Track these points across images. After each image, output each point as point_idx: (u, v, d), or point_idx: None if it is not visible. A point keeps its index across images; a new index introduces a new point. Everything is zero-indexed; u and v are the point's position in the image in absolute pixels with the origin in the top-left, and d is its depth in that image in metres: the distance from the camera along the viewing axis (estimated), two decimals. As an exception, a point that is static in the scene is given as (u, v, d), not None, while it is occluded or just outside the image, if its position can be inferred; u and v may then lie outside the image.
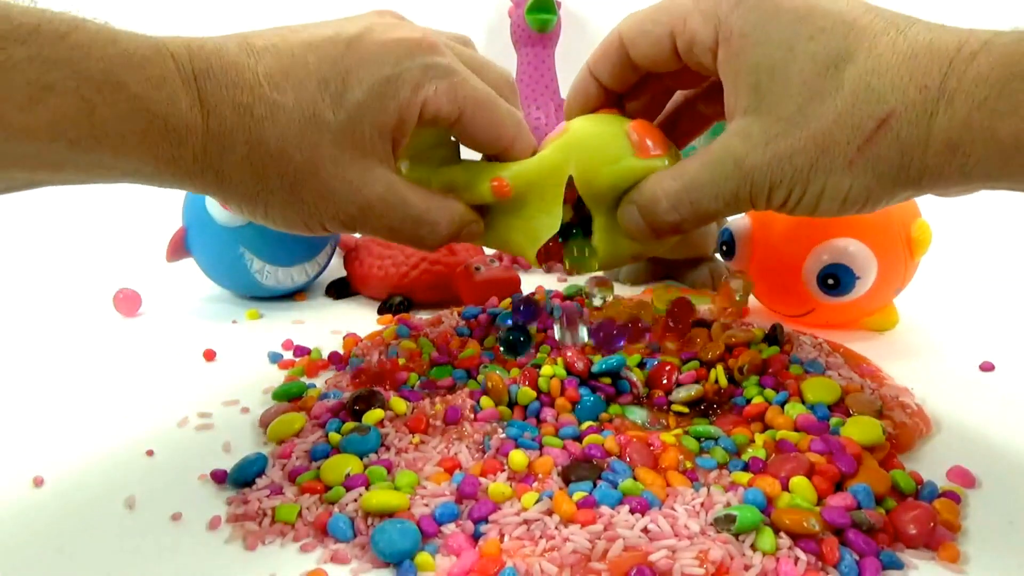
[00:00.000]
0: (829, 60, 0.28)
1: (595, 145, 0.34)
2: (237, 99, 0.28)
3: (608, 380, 0.39)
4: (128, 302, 0.59)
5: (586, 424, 0.36)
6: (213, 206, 0.55)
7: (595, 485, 0.31)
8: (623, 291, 0.60)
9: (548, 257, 0.38)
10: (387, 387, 0.42)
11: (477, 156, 0.37)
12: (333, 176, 0.31)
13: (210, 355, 0.49)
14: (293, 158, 0.30)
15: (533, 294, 0.51)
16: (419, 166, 0.36)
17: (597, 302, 0.44)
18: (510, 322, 0.46)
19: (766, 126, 0.29)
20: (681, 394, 0.38)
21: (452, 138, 0.36)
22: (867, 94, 0.27)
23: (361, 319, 0.56)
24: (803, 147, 0.29)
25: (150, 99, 0.26)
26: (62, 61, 0.24)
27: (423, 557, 0.28)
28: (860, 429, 0.33)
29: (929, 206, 0.50)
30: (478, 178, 0.35)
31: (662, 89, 0.38)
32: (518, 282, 0.58)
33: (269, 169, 0.30)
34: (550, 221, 0.35)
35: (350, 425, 0.36)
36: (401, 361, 0.44)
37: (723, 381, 0.39)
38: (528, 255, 0.36)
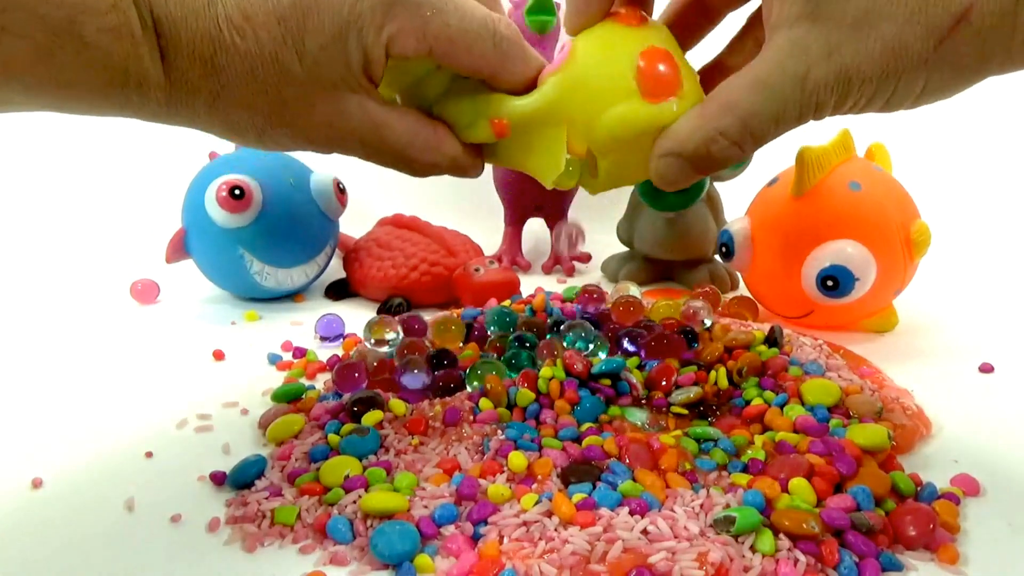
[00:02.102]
0: None
1: (595, 84, 0.31)
2: (198, 49, 0.28)
3: (608, 382, 0.39)
4: (145, 292, 0.62)
5: (585, 426, 0.36)
6: (213, 208, 0.55)
7: (594, 487, 0.31)
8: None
9: None
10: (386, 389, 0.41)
11: None
12: (303, 114, 0.30)
13: (219, 355, 0.49)
14: (258, 103, 0.29)
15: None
16: (413, 96, 0.34)
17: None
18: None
19: (825, 35, 0.26)
20: (680, 396, 0.38)
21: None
22: None
23: (361, 321, 0.56)
24: (872, 54, 0.26)
25: (110, 50, 0.26)
26: (19, 5, 0.24)
27: (422, 559, 0.28)
28: (865, 435, 0.33)
29: (929, 207, 0.50)
30: (476, 115, 0.33)
31: None
32: (517, 283, 0.58)
33: (237, 112, 0.29)
34: (554, 161, 0.32)
35: (349, 427, 0.36)
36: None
37: (723, 383, 0.39)
38: (544, 183, 0.34)
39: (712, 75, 0.33)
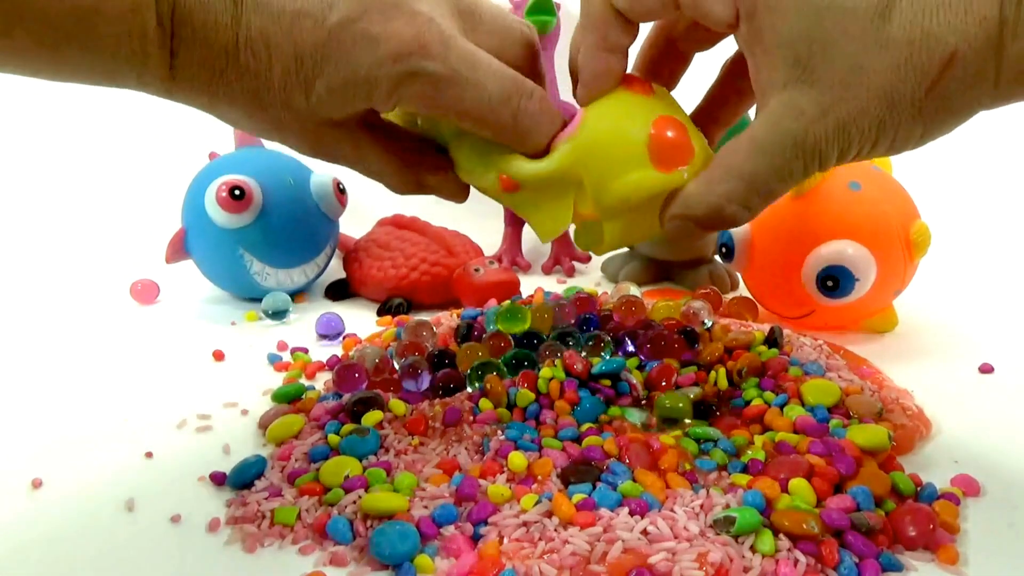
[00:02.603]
0: (872, 12, 0.26)
1: (608, 153, 0.31)
2: (210, 60, 0.28)
3: (608, 382, 0.39)
4: (145, 293, 0.62)
5: (585, 426, 0.36)
6: (213, 208, 0.55)
7: (594, 487, 0.31)
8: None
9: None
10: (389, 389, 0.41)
11: None
12: (296, 130, 0.31)
13: (219, 355, 0.49)
14: (254, 113, 0.30)
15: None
16: (426, 129, 0.34)
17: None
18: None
19: (817, 96, 0.27)
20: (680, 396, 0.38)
21: None
22: (924, 39, 0.26)
23: (360, 321, 0.56)
24: (866, 107, 0.27)
25: (116, 50, 0.27)
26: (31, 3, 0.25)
27: (422, 559, 0.28)
28: (865, 435, 0.33)
29: (928, 207, 0.50)
30: (486, 167, 0.33)
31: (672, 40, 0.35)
32: (517, 284, 0.58)
33: (234, 113, 0.31)
34: (558, 223, 0.33)
35: (349, 427, 0.36)
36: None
37: (723, 383, 0.39)
38: (540, 239, 0.35)
39: (701, 124, 0.34)
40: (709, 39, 0.33)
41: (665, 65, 0.35)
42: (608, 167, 0.31)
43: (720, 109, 0.35)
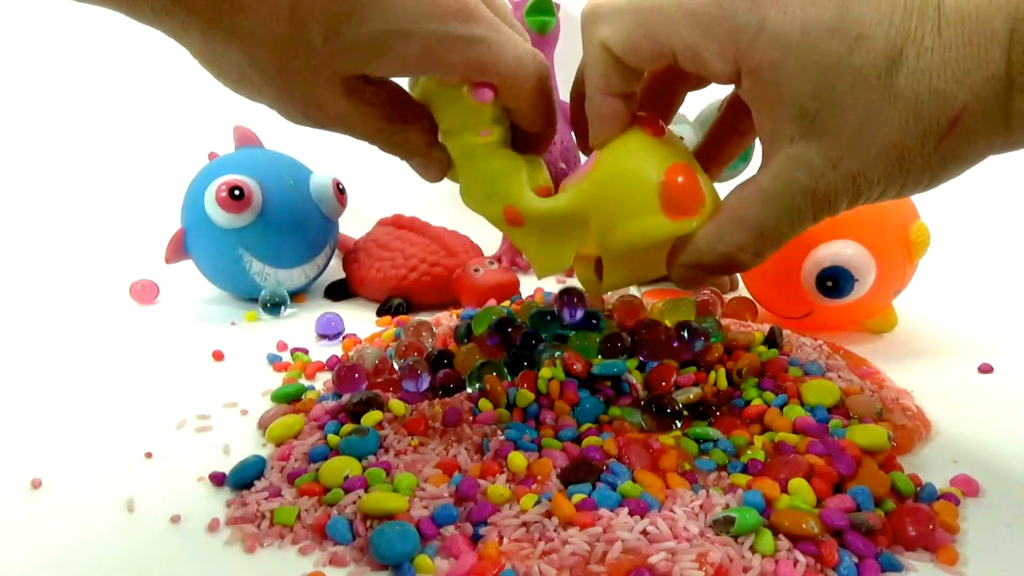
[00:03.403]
0: (878, 69, 0.26)
1: (620, 195, 0.31)
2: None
3: (608, 382, 0.39)
4: (145, 293, 0.62)
5: (585, 426, 0.36)
6: (212, 208, 0.55)
7: (594, 487, 0.31)
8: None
9: None
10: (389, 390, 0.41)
11: None
12: (294, 83, 0.29)
13: (219, 356, 0.49)
14: (258, 54, 0.28)
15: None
16: (447, 125, 0.34)
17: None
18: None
19: (826, 150, 0.27)
20: (680, 396, 0.38)
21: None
22: (932, 96, 0.25)
23: (360, 321, 0.56)
24: (875, 162, 0.27)
25: None
26: None
27: (422, 559, 0.28)
28: (865, 435, 0.33)
29: (928, 208, 0.50)
30: (493, 195, 0.33)
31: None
32: (517, 284, 0.58)
33: (231, 51, 0.28)
34: (558, 262, 0.33)
35: (349, 427, 0.36)
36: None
37: (722, 383, 0.39)
38: (537, 275, 0.35)
39: (702, 162, 0.34)
40: (704, 82, 0.33)
41: (658, 101, 0.35)
42: (618, 211, 0.31)
43: (721, 148, 0.36)
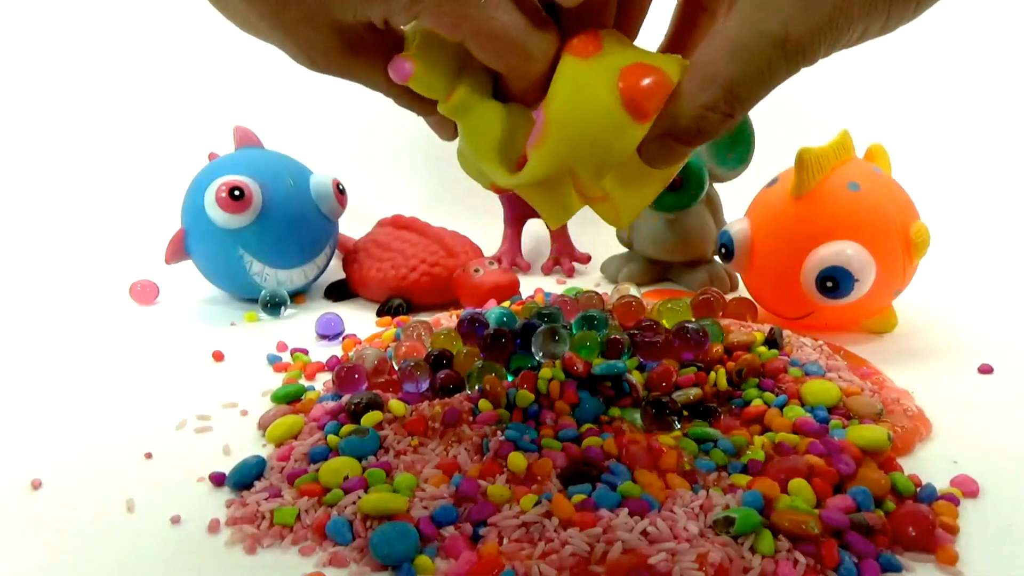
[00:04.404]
0: None
1: (585, 137, 0.28)
2: None
3: (608, 382, 0.39)
4: (144, 293, 0.62)
5: (585, 426, 0.36)
6: (212, 209, 0.55)
7: (594, 487, 0.31)
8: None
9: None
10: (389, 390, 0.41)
11: None
12: (295, 31, 0.28)
13: (219, 356, 0.49)
14: (255, 3, 0.27)
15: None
16: (432, 71, 0.30)
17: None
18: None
19: None
20: (680, 396, 0.38)
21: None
22: None
23: (360, 321, 0.56)
24: None
25: None
26: None
27: (422, 560, 0.28)
28: (865, 436, 0.33)
29: (928, 207, 0.50)
30: (479, 166, 0.31)
31: None
32: (517, 284, 0.58)
33: None
34: (564, 211, 0.31)
35: (349, 427, 0.36)
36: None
37: (722, 384, 0.39)
38: (550, 226, 0.33)
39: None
40: None
41: (622, 11, 0.32)
42: (593, 150, 0.28)
43: (689, 32, 0.32)
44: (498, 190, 0.32)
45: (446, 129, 0.33)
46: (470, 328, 0.45)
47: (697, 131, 0.27)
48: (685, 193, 0.60)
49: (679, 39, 0.32)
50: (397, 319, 0.56)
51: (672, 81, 0.27)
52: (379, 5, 0.27)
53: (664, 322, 0.46)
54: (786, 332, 0.46)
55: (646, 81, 0.27)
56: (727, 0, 0.26)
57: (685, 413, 0.37)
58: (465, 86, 0.31)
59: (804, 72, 0.28)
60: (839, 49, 0.26)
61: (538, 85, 0.30)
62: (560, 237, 0.72)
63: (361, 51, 0.29)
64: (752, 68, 0.26)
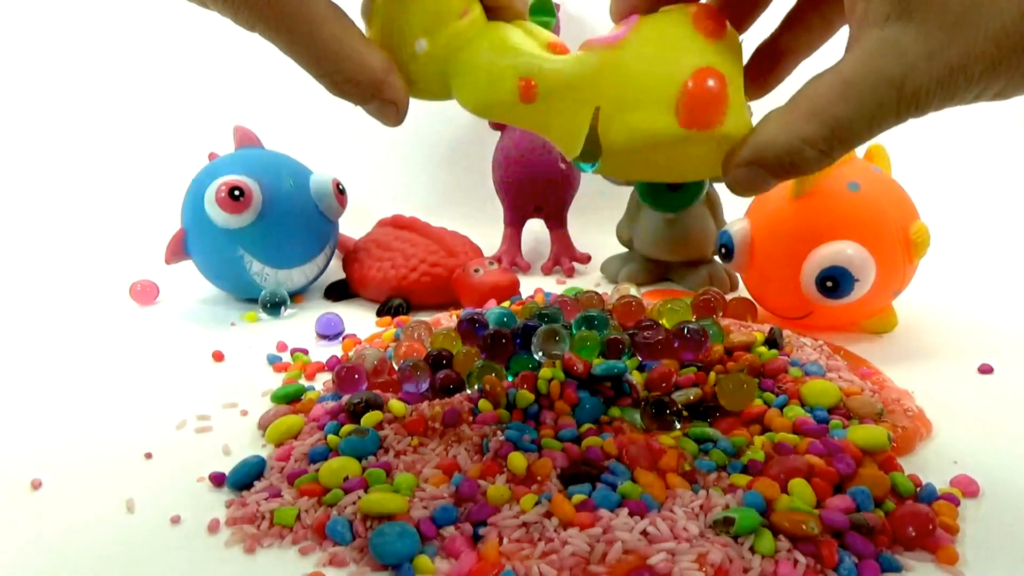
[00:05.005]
0: None
1: (637, 81, 0.27)
2: None
3: (608, 382, 0.39)
4: (144, 293, 0.62)
5: (585, 426, 0.36)
6: (212, 209, 0.55)
7: (594, 488, 0.31)
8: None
9: None
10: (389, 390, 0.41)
11: None
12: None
13: (219, 356, 0.49)
14: None
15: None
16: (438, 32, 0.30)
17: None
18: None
19: (925, 35, 0.23)
20: (680, 396, 0.38)
21: None
22: None
23: (360, 321, 0.56)
24: (980, 53, 0.23)
25: None
26: None
27: (422, 560, 0.28)
28: (865, 436, 0.33)
29: (928, 207, 0.50)
30: (501, 74, 0.29)
31: None
32: (517, 284, 0.58)
33: None
34: (572, 143, 0.30)
35: (349, 427, 0.36)
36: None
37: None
38: (566, 155, 0.31)
39: (766, 57, 0.31)
40: None
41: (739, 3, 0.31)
42: (631, 95, 0.27)
43: (799, 34, 0.31)
44: (526, 92, 0.29)
45: (388, 113, 0.31)
46: (470, 328, 0.45)
47: (790, 164, 0.27)
48: (685, 193, 0.60)
49: (785, 38, 0.31)
50: (397, 319, 0.56)
51: (721, 119, 0.27)
52: None
53: (664, 322, 0.46)
54: (786, 332, 0.46)
55: (709, 88, 0.27)
56: (853, 31, 0.26)
57: (685, 413, 0.37)
58: (473, 7, 0.30)
59: (804, 72, 0.27)
60: (950, 107, 0.25)
61: None
62: (560, 237, 0.72)
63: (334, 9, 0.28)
64: (862, 110, 0.25)
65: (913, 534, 0.28)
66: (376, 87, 0.30)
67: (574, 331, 0.43)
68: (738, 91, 0.28)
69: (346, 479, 0.32)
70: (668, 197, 0.60)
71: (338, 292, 0.63)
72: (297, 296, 0.62)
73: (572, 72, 0.29)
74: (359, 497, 0.31)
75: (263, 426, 0.39)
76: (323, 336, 0.52)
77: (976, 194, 0.82)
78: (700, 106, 0.27)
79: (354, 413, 0.37)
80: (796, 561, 0.27)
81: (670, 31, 0.28)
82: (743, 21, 0.31)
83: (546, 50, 0.31)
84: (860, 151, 0.50)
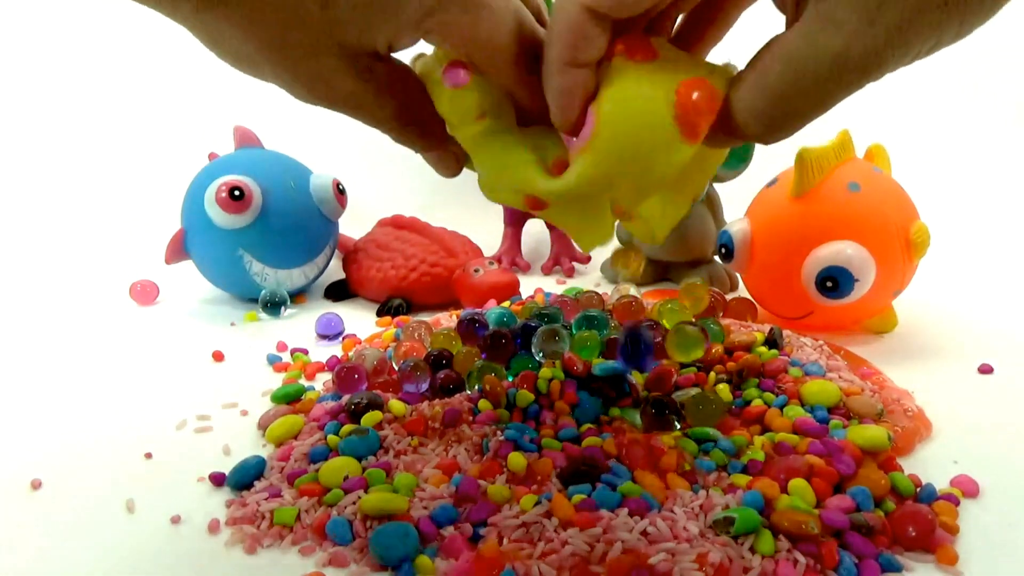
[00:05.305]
0: None
1: (635, 147, 0.27)
2: None
3: (608, 382, 0.39)
4: (144, 293, 0.62)
5: (585, 426, 0.36)
6: (212, 209, 0.55)
7: (594, 487, 0.31)
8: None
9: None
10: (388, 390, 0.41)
11: None
12: (297, 60, 0.27)
13: (219, 356, 0.49)
14: (255, 31, 0.26)
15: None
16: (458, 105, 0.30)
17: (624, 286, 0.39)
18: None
19: (858, 3, 0.22)
20: (680, 396, 0.38)
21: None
22: None
23: (360, 321, 0.56)
24: (926, 4, 0.22)
25: None
26: None
27: (422, 560, 0.28)
28: (865, 436, 0.33)
29: (928, 207, 0.50)
30: (508, 185, 0.30)
31: None
32: (517, 284, 0.58)
33: (227, 28, 0.26)
34: (599, 233, 0.30)
35: (349, 427, 0.36)
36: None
37: (726, 396, 0.39)
38: (583, 249, 0.32)
39: (685, 36, 0.30)
40: None
41: (697, 28, 0.30)
42: (641, 161, 0.27)
43: (710, 13, 0.30)
44: (534, 205, 0.30)
45: (448, 165, 0.33)
46: (470, 328, 0.45)
47: (738, 132, 0.26)
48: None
49: (696, 19, 0.30)
50: (397, 319, 0.56)
51: (720, 94, 0.26)
52: (386, 26, 0.26)
53: (664, 322, 0.46)
54: (786, 332, 0.46)
55: (696, 98, 0.26)
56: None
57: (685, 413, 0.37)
58: (494, 113, 0.30)
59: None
60: (909, 63, 0.24)
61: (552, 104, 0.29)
62: (560, 237, 0.72)
63: (368, 80, 0.29)
64: (807, 85, 0.24)
65: (913, 534, 0.28)
66: (442, 137, 0.31)
67: (574, 331, 0.43)
68: (711, 73, 0.27)
69: (346, 479, 0.32)
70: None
71: (338, 292, 0.63)
72: (297, 296, 0.62)
73: (568, 186, 0.29)
74: (359, 497, 0.31)
75: (263, 426, 0.39)
76: (323, 336, 0.52)
77: (976, 194, 0.82)
78: (696, 116, 0.26)
79: (354, 413, 0.37)
80: (796, 561, 0.27)
81: (623, 93, 0.27)
82: (702, 40, 0.30)
83: (554, 162, 0.30)
84: (860, 151, 0.50)
